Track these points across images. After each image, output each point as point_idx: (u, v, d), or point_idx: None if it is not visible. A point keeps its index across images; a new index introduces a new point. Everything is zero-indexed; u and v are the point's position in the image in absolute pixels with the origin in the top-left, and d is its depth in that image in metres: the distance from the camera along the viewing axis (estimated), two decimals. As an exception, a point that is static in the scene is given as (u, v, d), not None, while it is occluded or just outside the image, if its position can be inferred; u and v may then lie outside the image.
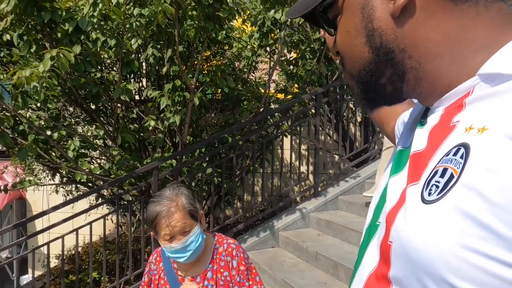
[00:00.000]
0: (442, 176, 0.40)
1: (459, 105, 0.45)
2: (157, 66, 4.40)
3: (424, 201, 0.41)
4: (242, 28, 5.19)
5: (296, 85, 5.13)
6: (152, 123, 4.07)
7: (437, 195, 0.39)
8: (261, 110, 4.45)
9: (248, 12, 4.42)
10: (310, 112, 4.87)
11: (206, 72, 4.47)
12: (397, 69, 0.50)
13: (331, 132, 5.33)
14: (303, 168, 5.61)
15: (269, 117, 4.77)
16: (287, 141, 5.48)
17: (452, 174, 0.39)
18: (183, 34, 3.87)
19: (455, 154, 0.40)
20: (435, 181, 0.41)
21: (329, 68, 4.95)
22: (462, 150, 0.39)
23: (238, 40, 4.96)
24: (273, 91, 5.28)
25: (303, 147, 6.03)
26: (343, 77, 0.60)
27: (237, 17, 4.31)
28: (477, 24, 0.45)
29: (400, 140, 0.59)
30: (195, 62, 4.24)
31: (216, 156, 4.64)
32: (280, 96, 5.12)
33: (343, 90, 4.84)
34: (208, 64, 4.83)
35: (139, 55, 4.44)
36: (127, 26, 3.27)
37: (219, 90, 5.15)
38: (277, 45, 4.28)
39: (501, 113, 0.38)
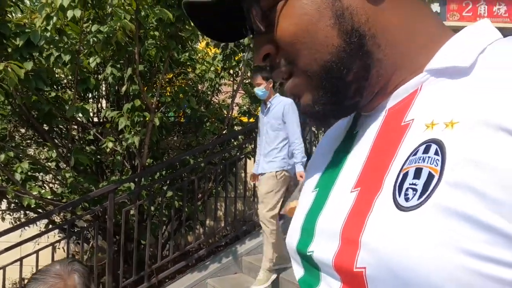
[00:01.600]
0: (417, 177, 0.35)
1: (406, 103, 0.41)
2: (116, 86, 4.26)
3: (401, 208, 0.35)
4: (205, 51, 5.18)
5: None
6: (110, 144, 3.90)
7: (418, 199, 0.34)
8: (224, 132, 4.39)
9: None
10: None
11: (168, 93, 4.38)
12: (365, 61, 0.42)
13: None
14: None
15: (232, 139, 4.72)
16: (250, 164, 5.43)
17: (430, 173, 0.34)
18: (144, 53, 3.79)
19: (425, 152, 0.35)
20: (410, 184, 0.35)
21: (292, 92, 5.01)
22: (434, 146, 0.35)
23: (201, 62, 4.94)
24: (237, 113, 5.25)
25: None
26: (290, 83, 0.46)
27: (200, 39, 4.30)
28: (423, 17, 0.43)
29: (316, 162, 0.53)
30: (156, 82, 4.14)
31: (177, 179, 4.49)
32: (244, 119, 5.10)
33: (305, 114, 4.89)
34: (171, 86, 4.75)
35: (98, 75, 4.29)
36: (84, 42, 3.15)
37: (181, 112, 5.06)
38: (240, 67, 4.29)
39: (469, 104, 0.35)
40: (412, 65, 0.42)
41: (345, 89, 0.44)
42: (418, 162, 0.36)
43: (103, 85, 4.58)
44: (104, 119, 4.40)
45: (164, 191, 4.11)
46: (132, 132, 3.74)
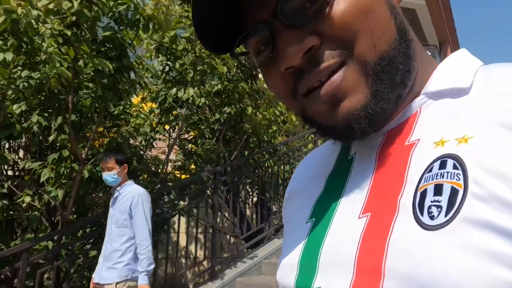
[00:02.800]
0: (438, 194, 0.34)
1: (407, 125, 0.41)
2: (40, 136, 3.98)
3: (427, 227, 0.33)
4: (140, 105, 5.14)
5: (193, 165, 5.10)
6: (28, 199, 3.55)
7: (446, 215, 0.32)
8: (157, 187, 4.25)
9: (150, 90, 4.43)
10: (208, 191, 4.82)
11: (97, 145, 4.20)
12: (409, 64, 0.40)
13: (226, 214, 5.29)
14: (199, 252, 5.33)
15: (165, 194, 4.57)
16: (182, 222, 5.24)
17: (453, 188, 0.33)
18: (76, 102, 3.65)
19: (442, 168, 0.35)
20: (432, 202, 0.34)
21: (227, 149, 5.09)
22: (451, 161, 0.34)
23: (136, 116, 4.87)
24: (170, 169, 5.15)
25: (199, 230, 5.81)
26: (341, 75, 0.38)
27: (137, 93, 4.28)
28: (416, 42, 0.43)
29: (303, 191, 0.50)
30: (88, 133, 3.97)
31: (103, 237, 4.15)
32: (177, 173, 5.01)
33: (239, 171, 4.96)
34: (101, 139, 4.56)
35: (21, 123, 4.00)
36: (12, 86, 2.97)
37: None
38: (177, 122, 4.30)
39: (480, 118, 0.35)
40: (412, 88, 0.42)
41: (394, 90, 0.39)
42: (437, 178, 0.34)
43: (23, 135, 4.25)
44: (22, 171, 4.03)
45: (86, 250, 3.76)
46: (56, 185, 3.46)
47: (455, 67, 0.41)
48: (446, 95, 0.40)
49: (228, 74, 4.36)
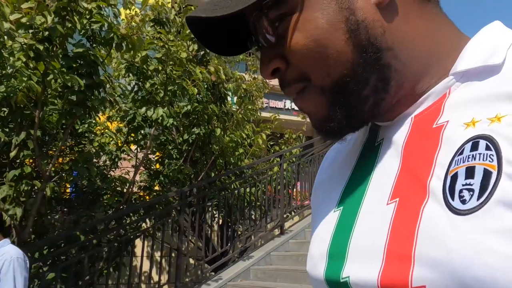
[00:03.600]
0: (470, 177, 0.33)
1: (435, 108, 0.40)
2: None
3: (458, 212, 0.32)
4: (106, 124, 5.06)
5: (157, 185, 5.04)
6: (-19, 217, 3.37)
7: (478, 199, 0.31)
8: (121, 207, 4.16)
9: (120, 108, 4.40)
10: (174, 211, 4.76)
11: (58, 163, 4.07)
12: (383, 73, 0.41)
13: (190, 236, 5.22)
14: (163, 276, 5.18)
15: (129, 214, 4.47)
16: (146, 245, 5.10)
17: (486, 169, 0.32)
18: (43, 118, 3.55)
19: (473, 149, 0.33)
20: (463, 185, 0.33)
21: (194, 170, 5.09)
22: (484, 142, 0.33)
23: (102, 134, 4.79)
24: (136, 189, 5.05)
25: (164, 252, 5.68)
26: (303, 99, 0.44)
27: (105, 111, 4.23)
28: (441, 25, 0.43)
29: (329, 179, 0.51)
30: (50, 151, 3.85)
31: (61, 258, 3.97)
32: (141, 193, 4.93)
33: (205, 192, 4.95)
34: (63, 157, 4.43)
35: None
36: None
37: (68, 189, 4.68)
38: (145, 141, 4.28)
39: None
40: (438, 72, 0.41)
41: (361, 104, 0.42)
42: (468, 161, 0.33)
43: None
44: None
45: (43, 272, 3.58)
46: (14, 203, 3.32)
47: (486, 42, 0.40)
48: (477, 73, 0.38)
49: (198, 95, 4.43)
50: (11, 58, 3.02)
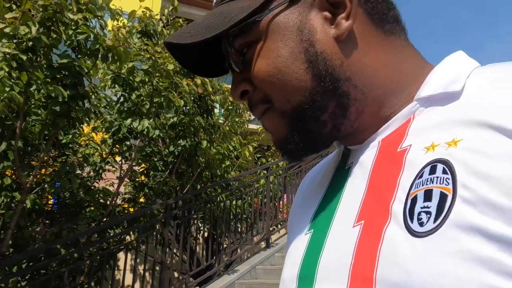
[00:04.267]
0: (428, 199, 0.34)
1: (400, 132, 0.42)
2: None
3: (417, 234, 0.33)
4: (90, 135, 5.00)
5: (142, 197, 4.98)
6: (-42, 230, 3.28)
7: (434, 221, 0.32)
8: (104, 219, 4.08)
9: (105, 119, 4.36)
10: (159, 224, 4.70)
11: (40, 174, 4.00)
12: (341, 101, 0.43)
13: (175, 250, 5.15)
14: (144, 289, 5.08)
15: (113, 227, 4.39)
16: (129, 258, 5.01)
17: (442, 192, 0.33)
18: (24, 129, 3.50)
19: (432, 173, 0.35)
20: (422, 208, 0.34)
21: (180, 182, 5.04)
22: (441, 166, 0.34)
23: (86, 145, 4.72)
24: (120, 201, 4.98)
25: (147, 266, 5.57)
26: (266, 120, 0.47)
27: (90, 122, 4.18)
28: (405, 55, 0.45)
29: (303, 204, 0.52)
30: (32, 161, 3.79)
31: (41, 273, 3.87)
32: (126, 205, 4.86)
33: (191, 204, 4.91)
34: (46, 168, 4.35)
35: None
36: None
37: (50, 201, 4.59)
38: (131, 152, 4.23)
39: (469, 121, 0.35)
40: (401, 98, 0.44)
41: (319, 128, 0.44)
42: (426, 184, 0.34)
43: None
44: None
45: (22, 287, 3.48)
46: (-7, 215, 3.23)
47: (448, 71, 0.42)
48: (438, 99, 0.40)
49: (184, 107, 4.42)
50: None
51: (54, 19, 2.98)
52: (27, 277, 3.77)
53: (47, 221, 4.79)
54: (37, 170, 3.34)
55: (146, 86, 4.11)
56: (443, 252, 0.31)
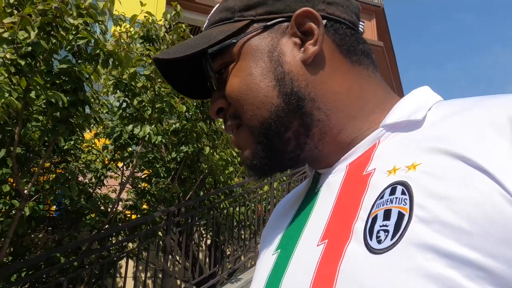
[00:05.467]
0: (386, 218, 0.36)
1: (366, 157, 0.44)
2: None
3: (374, 251, 0.35)
4: (92, 141, 4.96)
5: (145, 204, 4.91)
6: (-43, 237, 3.23)
7: (391, 239, 0.34)
8: (106, 226, 4.02)
9: (105, 125, 4.31)
10: (160, 231, 4.63)
11: (42, 181, 3.95)
12: (304, 120, 0.47)
13: (177, 257, 5.07)
14: (146, 297, 5.00)
15: (114, 234, 4.32)
16: (130, 266, 4.94)
17: (400, 212, 0.35)
18: (24, 135, 3.46)
19: (392, 194, 0.37)
20: (381, 226, 0.36)
21: (182, 188, 4.98)
22: (400, 187, 0.37)
23: (88, 152, 4.68)
24: (121, 208, 4.92)
25: (148, 274, 5.50)
26: (236, 136, 0.51)
27: (91, 128, 4.14)
28: (371, 85, 0.49)
29: (274, 226, 0.55)
30: (33, 168, 3.74)
31: (40, 282, 3.81)
32: (128, 213, 4.79)
33: (194, 211, 4.83)
34: (48, 174, 4.31)
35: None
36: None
37: (52, 206, 4.54)
38: (132, 159, 4.18)
39: (427, 147, 0.38)
40: (365, 124, 0.47)
41: (282, 145, 0.48)
42: (386, 204, 0.37)
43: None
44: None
45: (20, 297, 3.41)
46: (-8, 223, 3.18)
47: (412, 102, 0.46)
48: (401, 127, 0.44)
49: (187, 113, 4.36)
50: (-7, 73, 2.94)
51: (54, 24, 2.95)
52: (26, 286, 3.70)
53: (49, 228, 4.74)
54: (36, 177, 3.29)
55: (148, 92, 4.06)
56: (397, 268, 0.33)
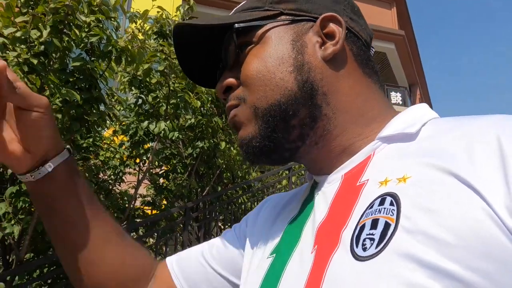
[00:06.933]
0: (373, 227, 0.37)
1: (360, 167, 0.46)
2: (1, 168, 3.77)
3: (359, 258, 0.36)
4: (111, 138, 5.01)
5: (164, 201, 4.93)
6: (-19, 235, 3.31)
7: (376, 247, 0.36)
8: (124, 223, 4.05)
9: (121, 122, 4.33)
10: (178, 228, 4.64)
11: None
12: (313, 111, 0.48)
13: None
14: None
15: (133, 230, 4.36)
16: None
17: (387, 222, 0.36)
18: (42, 133, 3.50)
19: (381, 204, 0.38)
20: (367, 235, 0.37)
21: (200, 184, 4.97)
22: (389, 198, 0.38)
23: (106, 149, 4.72)
24: (139, 205, 4.96)
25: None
26: (235, 113, 0.51)
27: (108, 125, 4.17)
28: (376, 98, 0.52)
29: (266, 228, 0.56)
30: (52, 166, 3.79)
31: (61, 277, 3.88)
32: (146, 209, 4.83)
33: (212, 207, 4.82)
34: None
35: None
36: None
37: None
38: (148, 155, 4.19)
39: (418, 161, 0.39)
40: (363, 131, 0.49)
41: (286, 131, 0.48)
42: (375, 214, 0.38)
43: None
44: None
45: (42, 292, 3.48)
46: (13, 221, 3.24)
47: (408, 117, 0.48)
48: (396, 139, 0.46)
49: (202, 108, 4.33)
50: (9, 73, 2.97)
51: (66, 22, 2.95)
52: (49, 281, 3.78)
53: (72, 225, 4.83)
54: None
55: (163, 88, 4.04)
56: (379, 275, 0.34)
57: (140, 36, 3.77)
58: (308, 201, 0.53)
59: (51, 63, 2.98)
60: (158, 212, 4.71)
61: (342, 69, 0.50)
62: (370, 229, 0.37)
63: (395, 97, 14.04)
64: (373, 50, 0.56)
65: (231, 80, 0.52)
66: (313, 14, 0.51)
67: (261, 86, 0.48)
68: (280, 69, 0.48)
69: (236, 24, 0.49)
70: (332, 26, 0.50)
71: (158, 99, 4.02)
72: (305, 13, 0.51)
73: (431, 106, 0.56)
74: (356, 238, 0.38)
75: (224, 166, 4.89)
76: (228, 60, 0.52)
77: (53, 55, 2.97)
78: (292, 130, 0.48)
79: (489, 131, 0.37)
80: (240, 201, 5.10)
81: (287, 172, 5.62)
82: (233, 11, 0.55)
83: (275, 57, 0.49)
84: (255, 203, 5.23)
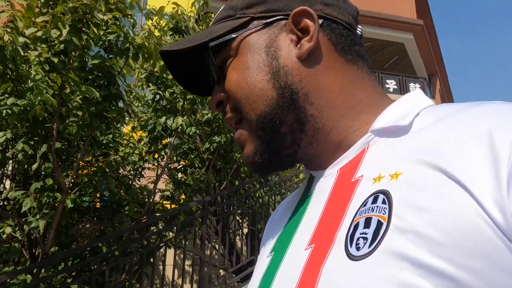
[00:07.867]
0: (367, 226, 0.37)
1: (355, 162, 0.46)
2: (25, 165, 3.89)
3: (352, 258, 0.36)
4: (130, 134, 5.09)
5: (183, 195, 5.00)
6: (8, 230, 3.43)
7: (369, 247, 0.35)
8: (144, 217, 4.13)
9: (141, 118, 4.40)
10: (197, 222, 4.70)
11: (83, 174, 4.11)
12: (298, 115, 0.48)
13: (216, 245, 5.14)
14: (187, 285, 5.13)
15: (152, 225, 4.44)
16: (169, 254, 5.07)
17: (379, 221, 0.36)
18: (63, 130, 3.60)
19: (374, 202, 0.38)
20: (361, 234, 0.37)
21: (217, 178, 5.01)
22: (382, 196, 0.38)
23: (126, 145, 4.81)
24: (159, 199, 5.04)
25: (187, 262, 5.62)
26: (238, 132, 0.52)
27: (126, 121, 4.24)
28: (364, 86, 0.50)
29: (272, 228, 0.57)
30: (73, 162, 3.89)
31: (85, 270, 3.99)
32: (166, 203, 4.90)
33: (229, 201, 4.86)
34: (89, 167, 4.48)
35: (6, 151, 3.91)
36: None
37: (98, 197, 4.72)
38: (166, 150, 4.25)
39: (410, 156, 0.39)
40: (352, 125, 0.48)
41: (279, 140, 0.49)
42: (368, 213, 0.38)
43: (10, 163, 4.16)
44: (5, 202, 3.91)
45: (67, 284, 3.59)
46: (38, 216, 3.35)
47: (401, 107, 0.46)
48: (389, 132, 0.44)
49: (218, 103, 4.35)
50: (31, 71, 3.06)
51: (84, 21, 3.01)
52: (73, 274, 3.90)
53: (94, 219, 4.95)
54: (76, 171, 3.41)
55: (179, 83, 4.08)
56: (372, 274, 0.34)
57: (157, 33, 3.81)
58: (304, 196, 0.53)
59: (71, 61, 3.04)
60: (177, 206, 4.78)
61: (321, 64, 0.49)
62: (364, 228, 0.37)
63: (414, 88, 13.78)
64: (360, 29, 0.53)
65: (220, 96, 0.52)
66: (285, 12, 0.49)
67: (244, 98, 0.48)
68: (258, 79, 0.48)
69: (209, 44, 0.49)
70: (305, 20, 0.48)
71: (175, 95, 4.06)
72: (277, 12, 0.50)
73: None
74: (350, 237, 0.38)
75: (241, 161, 4.92)
76: (214, 75, 0.52)
77: (73, 53, 3.03)
78: (285, 138, 0.48)
79: (481, 124, 0.36)
80: (257, 195, 5.12)
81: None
82: (210, 24, 0.55)
83: (251, 67, 0.48)
84: (273, 197, 5.26)
